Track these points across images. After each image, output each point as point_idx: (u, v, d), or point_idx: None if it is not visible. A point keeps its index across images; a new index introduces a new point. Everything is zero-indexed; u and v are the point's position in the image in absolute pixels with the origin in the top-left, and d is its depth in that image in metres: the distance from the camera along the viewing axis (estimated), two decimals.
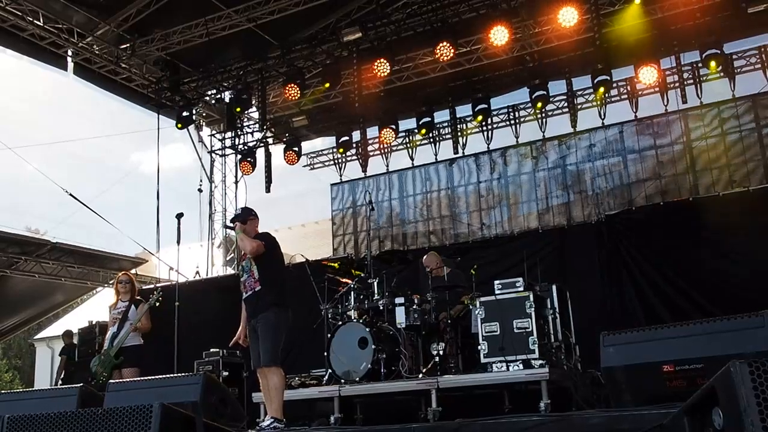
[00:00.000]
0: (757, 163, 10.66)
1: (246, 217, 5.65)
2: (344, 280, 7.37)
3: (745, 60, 11.12)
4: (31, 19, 9.92)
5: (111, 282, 13.61)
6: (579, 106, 11.77)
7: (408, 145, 13.06)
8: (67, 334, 12.51)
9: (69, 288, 13.63)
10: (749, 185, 9.49)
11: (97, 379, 6.92)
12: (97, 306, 18.21)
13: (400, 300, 6.78)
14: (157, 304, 7.14)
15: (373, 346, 6.32)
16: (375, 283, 7.02)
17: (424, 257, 7.96)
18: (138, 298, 7.36)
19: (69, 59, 10.95)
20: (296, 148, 12.17)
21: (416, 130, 11.97)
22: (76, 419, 2.61)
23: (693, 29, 9.40)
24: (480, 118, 11.16)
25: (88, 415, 2.60)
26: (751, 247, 7.51)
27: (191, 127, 12.64)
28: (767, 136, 10.80)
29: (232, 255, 13.35)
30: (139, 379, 6.10)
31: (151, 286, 11.46)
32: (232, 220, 5.80)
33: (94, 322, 10.88)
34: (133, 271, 13.49)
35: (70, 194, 10.61)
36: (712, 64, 9.52)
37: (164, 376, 5.34)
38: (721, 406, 2.09)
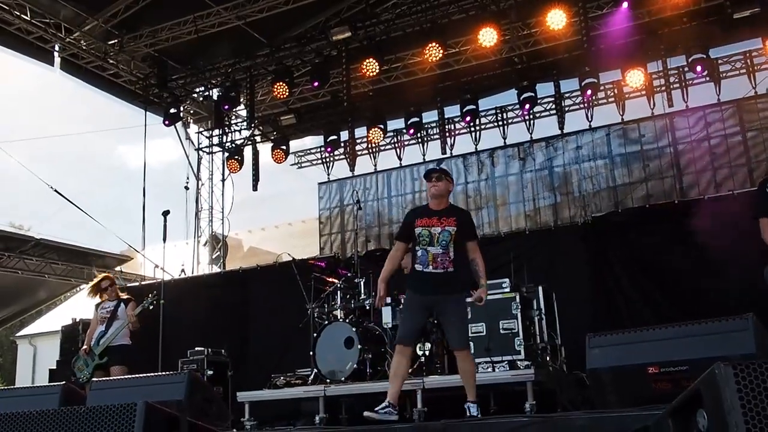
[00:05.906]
0: (742, 168, 10.76)
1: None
2: (331, 279, 7.35)
3: (731, 65, 11.21)
4: (18, 13, 9.80)
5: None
6: (566, 109, 11.82)
7: (396, 145, 13.06)
8: None
9: (53, 285, 13.51)
10: (734, 189, 9.58)
11: (78, 377, 6.84)
12: (81, 303, 18.01)
13: (386, 300, 6.77)
14: (152, 307, 7.04)
15: (359, 346, 6.31)
16: (362, 283, 7.01)
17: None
18: (124, 296, 7.28)
19: (56, 54, 10.83)
20: (284, 147, 12.12)
21: (404, 130, 11.97)
22: (58, 417, 2.57)
23: (680, 34, 9.46)
24: (468, 119, 11.17)
25: (70, 414, 2.56)
26: (736, 250, 7.54)
27: (178, 125, 12.57)
28: (752, 140, 10.92)
29: (218, 253, 13.28)
30: (122, 377, 6.06)
31: (136, 283, 11.37)
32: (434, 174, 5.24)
33: (77, 320, 10.77)
34: (117, 268, 13.43)
35: (55, 190, 10.52)
36: (698, 68, 9.61)
37: (149, 374, 5.29)
38: (706, 408, 2.10)
